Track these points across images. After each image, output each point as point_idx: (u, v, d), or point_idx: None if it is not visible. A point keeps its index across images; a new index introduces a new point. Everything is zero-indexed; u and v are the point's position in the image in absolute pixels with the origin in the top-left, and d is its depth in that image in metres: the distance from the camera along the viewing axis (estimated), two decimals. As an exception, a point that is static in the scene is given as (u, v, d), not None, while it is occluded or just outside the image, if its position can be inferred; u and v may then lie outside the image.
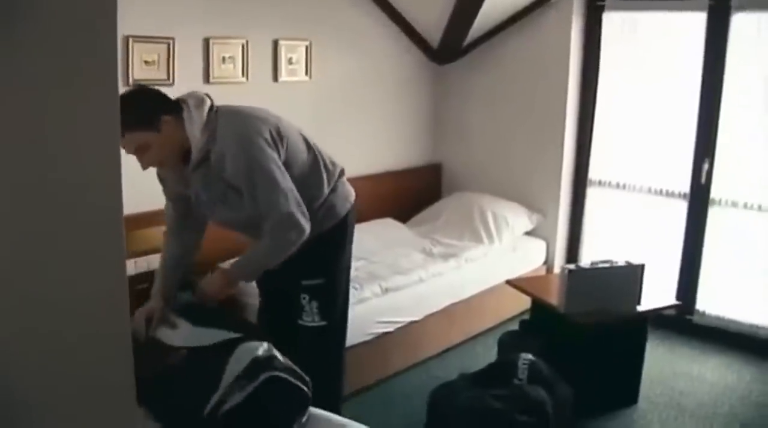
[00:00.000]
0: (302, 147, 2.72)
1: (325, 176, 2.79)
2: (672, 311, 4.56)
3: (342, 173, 2.93)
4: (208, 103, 2.59)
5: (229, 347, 2.06)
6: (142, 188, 3.72)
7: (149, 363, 2.23)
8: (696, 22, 4.43)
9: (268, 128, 2.58)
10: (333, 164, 2.88)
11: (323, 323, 2.84)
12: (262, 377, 1.97)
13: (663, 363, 4.28)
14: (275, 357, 2.04)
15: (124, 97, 2.30)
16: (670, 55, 4.62)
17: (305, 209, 2.57)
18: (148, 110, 2.47)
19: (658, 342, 4.49)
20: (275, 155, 2.54)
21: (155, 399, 2.13)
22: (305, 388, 2.06)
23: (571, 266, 3.53)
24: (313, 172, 2.76)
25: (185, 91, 3.82)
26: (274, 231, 2.53)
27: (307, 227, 2.55)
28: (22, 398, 1.19)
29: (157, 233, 3.84)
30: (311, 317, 2.83)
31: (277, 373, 2.00)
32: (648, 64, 4.72)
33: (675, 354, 4.44)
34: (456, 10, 4.67)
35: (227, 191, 2.58)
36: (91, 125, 1.21)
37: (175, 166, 2.62)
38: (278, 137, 2.59)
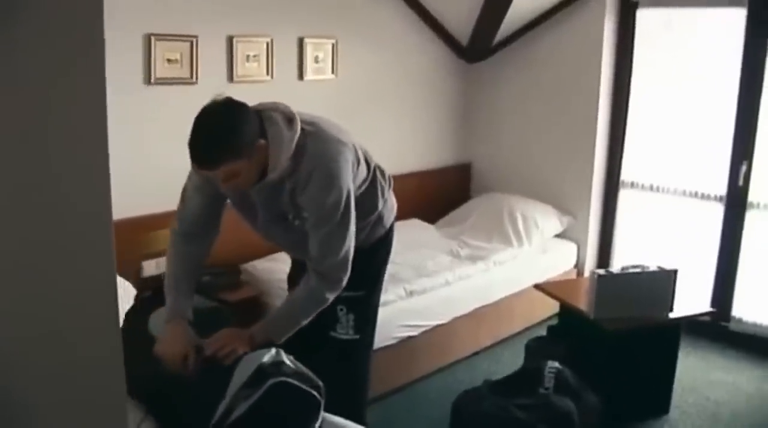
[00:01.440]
0: (364, 166, 2.54)
1: (380, 191, 2.64)
2: (707, 318, 4.42)
3: (391, 183, 2.78)
4: (299, 124, 2.28)
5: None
6: (164, 187, 3.74)
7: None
8: (735, 18, 4.28)
9: (351, 158, 2.37)
10: (383, 174, 2.70)
11: (356, 336, 2.70)
12: (268, 384, 1.91)
13: (696, 372, 4.16)
14: (283, 363, 1.98)
15: (210, 123, 2.15)
16: (707, 53, 4.49)
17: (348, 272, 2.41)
18: (243, 138, 2.17)
19: (691, 349, 4.36)
20: (353, 201, 2.36)
21: (164, 410, 2.09)
22: (315, 393, 1.99)
23: (601, 271, 3.42)
24: (370, 190, 2.59)
25: (209, 90, 3.80)
26: (320, 281, 2.37)
27: (342, 285, 2.41)
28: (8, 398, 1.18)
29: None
30: (345, 330, 2.67)
31: (283, 379, 1.93)
32: (683, 62, 4.59)
33: (709, 362, 4.30)
34: (485, 8, 4.58)
35: (290, 213, 2.38)
36: (78, 125, 1.17)
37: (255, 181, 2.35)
38: (356, 165, 2.42)
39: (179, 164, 3.81)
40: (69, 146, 1.16)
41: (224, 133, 2.15)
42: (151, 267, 3.75)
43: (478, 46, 5.05)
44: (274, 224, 2.46)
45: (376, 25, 4.72)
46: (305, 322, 2.42)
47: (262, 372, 1.94)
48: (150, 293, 2.59)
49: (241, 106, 2.23)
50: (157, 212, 3.74)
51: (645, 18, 4.69)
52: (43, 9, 1.10)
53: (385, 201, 2.68)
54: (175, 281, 2.43)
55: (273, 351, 2.00)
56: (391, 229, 2.77)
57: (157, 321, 2.41)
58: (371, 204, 2.61)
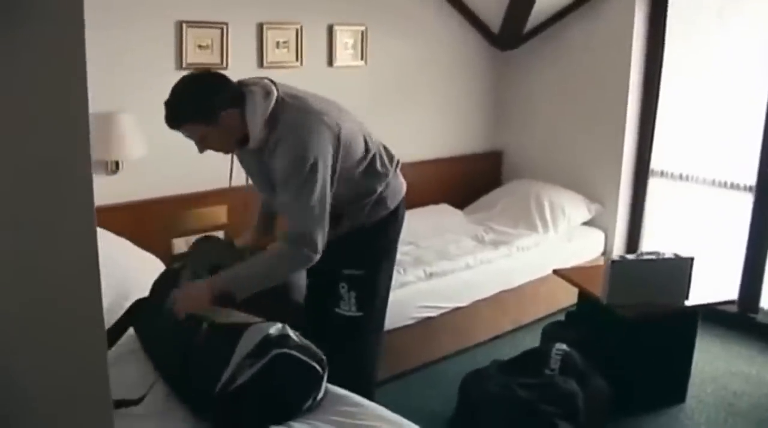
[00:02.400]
0: (360, 150, 2.62)
1: (379, 174, 2.70)
2: (733, 309, 4.40)
3: (397, 165, 2.83)
4: (275, 95, 2.45)
5: (241, 327, 2.10)
6: (200, 168, 3.89)
7: None
8: (766, 5, 4.22)
9: (330, 135, 2.45)
10: (390, 159, 2.77)
11: (359, 314, 2.78)
12: (271, 354, 2.00)
13: (718, 362, 4.14)
14: (288, 336, 2.07)
15: (180, 88, 2.37)
16: (740, 40, 4.43)
17: (325, 239, 2.46)
18: (205, 104, 2.37)
19: (714, 339, 4.35)
20: (326, 171, 2.43)
21: (173, 377, 2.20)
22: (317, 366, 2.09)
23: (615, 257, 3.45)
24: (368, 172, 2.67)
25: (239, 75, 3.94)
26: (287, 243, 2.44)
27: (316, 258, 2.44)
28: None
29: (216, 212, 3.99)
30: (348, 307, 2.77)
31: (287, 350, 2.03)
32: (715, 49, 4.54)
33: (732, 353, 4.27)
34: (514, -4, 4.61)
35: (272, 181, 2.53)
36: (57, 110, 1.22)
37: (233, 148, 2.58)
38: (337, 145, 2.48)
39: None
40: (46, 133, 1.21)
41: (187, 97, 2.38)
42: (181, 245, 3.89)
43: (509, 33, 5.07)
44: (268, 194, 2.63)
45: (406, 12, 4.78)
46: (268, 284, 2.44)
47: (266, 343, 2.02)
48: (178, 265, 2.70)
49: (217, 77, 2.47)
50: (186, 193, 3.90)
51: (677, 5, 4.65)
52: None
53: (386, 184, 2.73)
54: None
55: (279, 324, 2.10)
56: (396, 211, 2.81)
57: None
58: (369, 186, 2.68)
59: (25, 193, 1.21)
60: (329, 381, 2.25)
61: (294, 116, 2.44)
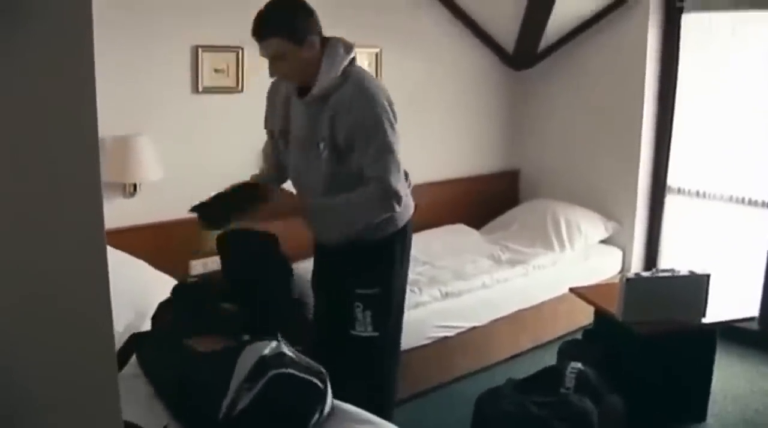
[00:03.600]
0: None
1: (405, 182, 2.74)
2: (754, 326, 4.35)
3: (410, 184, 2.84)
4: (354, 54, 2.58)
5: (238, 348, 2.11)
6: (217, 189, 3.92)
7: None
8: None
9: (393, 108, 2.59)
10: (405, 175, 2.78)
11: (375, 333, 2.77)
12: (268, 375, 2.01)
13: (739, 380, 4.09)
14: (283, 354, 2.09)
15: (278, 3, 2.44)
16: (755, 57, 4.42)
17: (407, 191, 2.60)
18: (299, 22, 2.47)
19: (735, 357, 4.30)
20: (396, 129, 2.55)
21: (173, 400, 2.22)
22: (316, 380, 2.09)
23: (630, 275, 3.44)
24: None
25: (254, 98, 3.99)
26: (374, 193, 2.51)
27: (398, 208, 2.56)
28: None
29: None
30: (363, 327, 2.75)
31: (284, 370, 2.04)
32: (731, 66, 4.53)
33: (755, 371, 4.22)
34: (527, 15, 4.63)
35: (324, 140, 2.55)
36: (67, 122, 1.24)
37: (293, 89, 2.62)
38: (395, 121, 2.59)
39: (225, 168, 4.02)
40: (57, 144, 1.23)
41: (280, 11, 2.47)
42: (198, 267, 3.93)
43: (523, 53, 5.10)
44: (302, 156, 2.64)
45: (421, 33, 4.82)
46: (346, 225, 2.57)
47: (262, 365, 2.04)
48: (185, 285, 2.73)
49: (309, 9, 2.52)
50: (203, 214, 3.93)
51: (690, 22, 4.66)
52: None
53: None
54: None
55: (273, 343, 2.11)
56: (404, 229, 2.81)
57: None
58: None
59: (33, 204, 1.21)
60: (348, 402, 2.26)
61: (368, 79, 2.56)
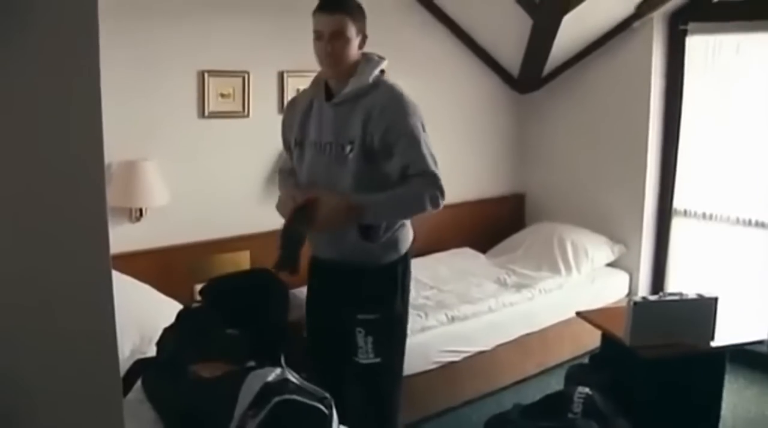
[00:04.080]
0: None
1: None
2: (764, 349, 4.31)
3: None
4: (385, 65, 2.68)
5: (242, 374, 2.11)
6: (222, 214, 3.95)
7: None
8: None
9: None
10: None
11: (377, 360, 2.72)
12: (273, 402, 2.00)
13: (750, 404, 4.05)
14: (287, 380, 2.08)
15: None
16: (760, 77, 4.42)
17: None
18: (363, 15, 2.59)
19: (746, 381, 4.26)
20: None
21: (178, 426, 2.21)
22: (321, 405, 2.08)
23: (637, 298, 3.41)
24: None
25: (260, 123, 4.03)
26: (423, 187, 2.54)
27: (442, 202, 2.59)
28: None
29: (239, 258, 4.03)
30: (365, 354, 2.71)
31: (287, 396, 2.02)
32: (734, 88, 4.54)
33: (766, 394, 4.18)
34: (531, 39, 4.65)
35: (353, 140, 2.55)
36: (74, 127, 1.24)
37: (320, 94, 2.65)
38: None
39: (231, 194, 4.04)
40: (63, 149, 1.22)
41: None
42: (204, 291, 3.93)
43: (528, 77, 5.12)
44: (321, 160, 2.63)
45: (426, 57, 4.83)
46: (398, 216, 2.63)
47: (267, 391, 2.03)
48: (190, 307, 2.74)
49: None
50: (209, 239, 3.94)
51: (695, 45, 4.67)
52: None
53: (402, 224, 2.75)
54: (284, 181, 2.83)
55: (278, 370, 2.10)
56: (406, 255, 2.79)
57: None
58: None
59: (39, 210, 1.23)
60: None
61: (399, 87, 2.65)
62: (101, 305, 1.32)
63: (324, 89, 2.65)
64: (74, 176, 1.25)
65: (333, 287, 2.79)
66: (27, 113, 1.19)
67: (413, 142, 2.54)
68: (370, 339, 2.69)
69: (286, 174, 2.88)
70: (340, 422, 2.20)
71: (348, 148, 2.56)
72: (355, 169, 2.57)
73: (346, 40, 2.52)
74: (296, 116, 2.74)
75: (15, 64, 1.16)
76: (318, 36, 2.53)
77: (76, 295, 1.28)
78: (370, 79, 2.58)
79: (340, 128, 2.58)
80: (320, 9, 2.51)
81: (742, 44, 4.48)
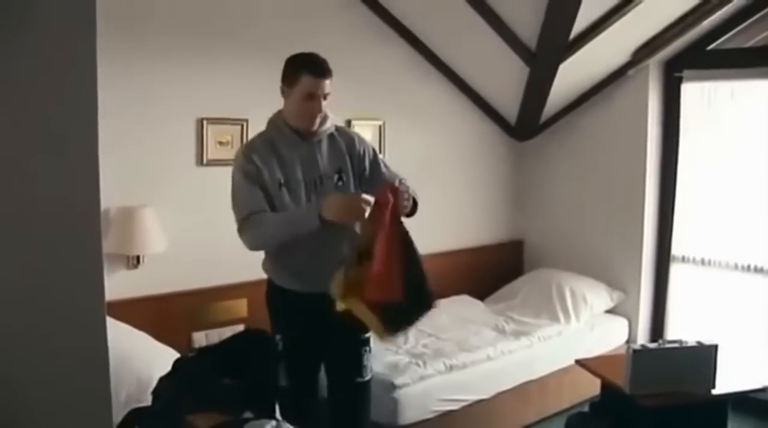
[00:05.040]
0: None
1: None
2: (766, 396, 4.26)
3: None
4: None
5: (237, 425, 2.07)
6: (220, 261, 3.93)
7: None
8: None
9: None
10: None
11: (371, 376, 2.92)
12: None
13: (755, 453, 4.00)
14: (285, 430, 2.05)
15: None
16: (754, 125, 4.47)
17: None
18: None
19: (749, 429, 4.21)
20: None
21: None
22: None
23: (636, 346, 3.39)
24: None
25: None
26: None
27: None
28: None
29: (237, 306, 4.01)
30: (366, 372, 2.89)
31: (285, 448, 2.00)
32: (730, 134, 4.59)
33: (768, 444, 4.14)
34: (528, 88, 4.70)
35: (344, 167, 2.83)
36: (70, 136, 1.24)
37: (294, 138, 2.80)
38: None
39: (229, 241, 4.01)
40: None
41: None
42: (201, 338, 3.89)
43: (526, 124, 5.16)
44: (313, 192, 2.77)
45: (423, 105, 4.88)
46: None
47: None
48: (187, 356, 2.70)
49: None
50: (206, 287, 3.92)
51: (690, 91, 4.72)
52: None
53: None
54: (285, 214, 2.74)
55: (273, 422, 2.07)
56: None
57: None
58: None
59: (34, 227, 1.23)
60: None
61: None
62: (96, 353, 1.31)
63: (292, 132, 2.80)
64: (71, 222, 1.25)
65: (329, 314, 2.73)
66: (26, 155, 1.20)
67: (380, 160, 2.96)
68: (369, 356, 2.88)
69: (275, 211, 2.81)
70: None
71: (336, 176, 2.80)
72: (355, 191, 2.80)
73: (327, 98, 2.76)
74: (270, 159, 2.76)
75: (15, 106, 1.17)
76: (311, 97, 2.70)
77: (71, 344, 1.27)
78: (336, 120, 2.89)
79: (330, 160, 2.81)
80: (315, 74, 2.69)
81: (737, 91, 4.54)
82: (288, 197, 2.75)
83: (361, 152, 2.88)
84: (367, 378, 2.90)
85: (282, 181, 2.75)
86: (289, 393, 2.82)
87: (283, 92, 2.80)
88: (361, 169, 2.87)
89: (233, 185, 2.80)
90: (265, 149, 2.79)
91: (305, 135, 2.79)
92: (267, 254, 2.87)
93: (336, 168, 2.81)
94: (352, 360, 2.87)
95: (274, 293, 2.89)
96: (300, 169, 2.77)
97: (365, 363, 2.87)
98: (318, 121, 2.77)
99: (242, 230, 2.72)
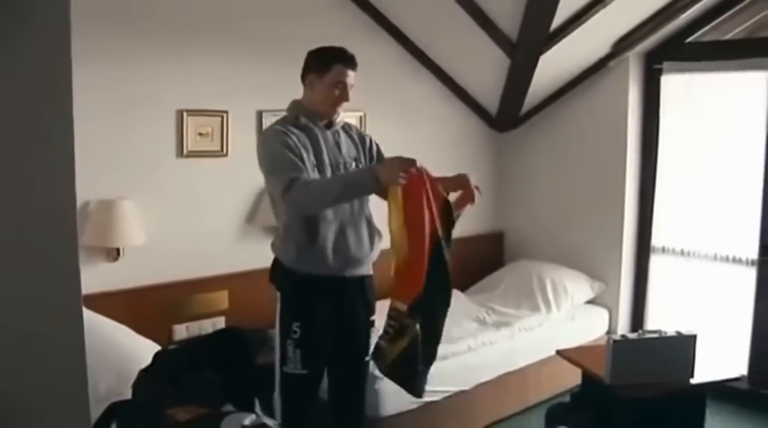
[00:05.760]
0: None
1: None
2: (744, 386, 4.32)
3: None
4: None
5: (217, 418, 2.07)
6: (200, 254, 3.91)
7: None
8: (757, 81, 4.32)
9: None
10: None
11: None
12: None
13: (732, 441, 4.04)
14: (265, 425, 2.04)
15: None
16: (732, 116, 4.51)
17: None
18: None
19: (727, 417, 4.26)
20: None
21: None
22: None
23: (616, 336, 3.41)
24: None
25: (239, 162, 4.02)
26: None
27: None
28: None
29: (217, 298, 3.99)
30: (368, 353, 3.01)
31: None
32: (709, 125, 4.62)
33: (746, 431, 4.18)
34: (509, 79, 4.70)
35: (361, 153, 3.00)
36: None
37: (320, 125, 2.92)
38: None
39: (209, 233, 4.02)
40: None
41: None
42: (181, 331, 3.88)
43: (506, 115, 5.17)
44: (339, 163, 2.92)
45: (404, 97, 4.87)
46: None
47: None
48: (167, 349, 2.70)
49: None
50: (187, 279, 3.90)
51: (670, 83, 4.75)
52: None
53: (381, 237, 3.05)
54: (338, 175, 2.87)
55: (253, 415, 2.07)
56: None
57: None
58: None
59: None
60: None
61: None
62: (72, 346, 1.30)
63: (313, 121, 2.90)
64: (46, 214, 1.24)
65: (354, 296, 2.97)
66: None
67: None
68: (373, 338, 2.97)
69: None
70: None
71: (354, 164, 2.95)
72: None
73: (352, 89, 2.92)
74: (303, 139, 2.84)
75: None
76: (341, 86, 2.84)
77: (47, 338, 1.26)
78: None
79: (346, 149, 2.95)
80: (347, 65, 2.86)
81: (716, 83, 4.57)
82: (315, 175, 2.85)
83: (369, 143, 3.07)
84: (368, 358, 3.03)
85: (315, 162, 2.83)
86: (303, 381, 2.88)
87: (311, 82, 2.88)
88: (371, 159, 3.04)
89: (269, 153, 2.80)
90: (296, 129, 2.86)
91: (326, 125, 2.93)
92: (285, 238, 2.88)
93: (353, 156, 2.96)
94: (362, 342, 3.00)
95: (290, 279, 2.89)
96: (326, 154, 2.87)
97: (371, 342, 2.99)
98: (340, 109, 2.92)
99: (289, 192, 2.68)
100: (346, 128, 3.03)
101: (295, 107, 2.94)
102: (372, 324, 3.04)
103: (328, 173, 2.84)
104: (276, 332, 2.91)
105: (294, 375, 2.85)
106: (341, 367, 3.01)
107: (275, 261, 2.95)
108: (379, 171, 2.66)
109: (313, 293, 2.87)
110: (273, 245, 2.95)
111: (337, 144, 2.93)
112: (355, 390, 3.09)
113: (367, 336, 3.02)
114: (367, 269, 2.99)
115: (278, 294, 2.92)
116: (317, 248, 2.81)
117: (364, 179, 2.69)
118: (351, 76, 2.87)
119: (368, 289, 3.01)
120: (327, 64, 2.83)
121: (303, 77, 2.92)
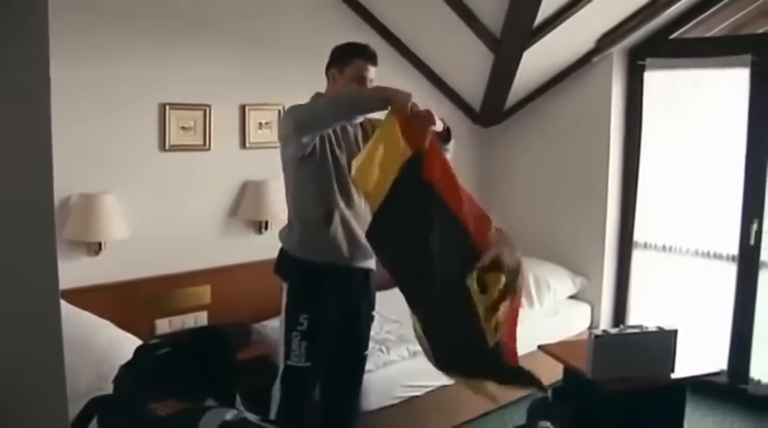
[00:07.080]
0: None
1: None
2: (724, 381, 4.36)
3: None
4: None
5: (199, 412, 2.06)
6: (183, 248, 3.89)
7: None
8: (739, 78, 4.34)
9: None
10: None
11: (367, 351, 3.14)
12: (232, 441, 1.97)
13: (711, 436, 4.08)
14: (247, 421, 2.04)
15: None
16: (715, 113, 4.54)
17: None
18: None
19: (707, 411, 4.30)
20: None
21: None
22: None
23: (598, 331, 3.44)
24: None
25: (221, 156, 4.00)
26: None
27: None
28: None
29: (200, 292, 3.98)
30: (366, 347, 3.13)
31: (249, 435, 1.99)
32: (692, 122, 4.65)
33: (726, 424, 4.22)
34: (493, 75, 4.71)
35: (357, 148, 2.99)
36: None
37: None
38: None
39: (192, 228, 4.00)
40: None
41: None
42: (164, 326, 3.87)
43: (490, 110, 5.18)
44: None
45: (387, 91, 4.86)
46: None
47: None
48: (148, 344, 2.68)
49: None
50: (169, 273, 3.89)
51: (652, 79, 4.77)
52: None
53: None
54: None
55: (234, 410, 2.06)
56: None
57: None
58: None
59: None
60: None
61: None
62: (50, 341, 1.29)
63: None
64: (22, 207, 1.23)
65: (356, 289, 3.03)
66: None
67: None
68: (370, 334, 3.12)
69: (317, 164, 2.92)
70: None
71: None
72: None
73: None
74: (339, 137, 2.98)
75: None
76: (361, 80, 2.90)
77: (23, 332, 1.25)
78: None
79: (361, 142, 2.99)
80: (367, 60, 2.93)
81: (698, 79, 4.59)
82: (330, 160, 2.88)
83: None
84: (366, 352, 3.15)
85: (330, 152, 2.89)
86: (306, 373, 2.88)
87: (333, 76, 2.96)
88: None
89: (289, 113, 2.86)
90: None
91: None
92: (295, 226, 2.92)
93: (357, 146, 2.99)
94: (361, 336, 3.08)
95: (298, 269, 2.91)
96: (344, 143, 2.95)
97: (369, 337, 3.12)
98: None
99: (292, 110, 2.83)
100: (365, 122, 3.06)
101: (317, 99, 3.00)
102: (372, 318, 3.12)
103: (342, 161, 2.91)
104: (281, 324, 2.92)
105: (298, 367, 2.86)
106: (339, 361, 3.03)
107: (282, 251, 2.97)
108: (390, 93, 2.73)
109: (321, 284, 2.90)
110: (281, 235, 2.99)
111: (353, 137, 3.00)
112: (350, 385, 3.14)
113: (367, 330, 3.10)
114: (373, 263, 3.03)
115: (284, 285, 2.93)
116: (329, 235, 2.84)
117: (373, 95, 2.80)
118: (371, 71, 2.94)
119: (372, 284, 3.08)
120: (348, 59, 2.91)
121: (326, 71, 2.99)
